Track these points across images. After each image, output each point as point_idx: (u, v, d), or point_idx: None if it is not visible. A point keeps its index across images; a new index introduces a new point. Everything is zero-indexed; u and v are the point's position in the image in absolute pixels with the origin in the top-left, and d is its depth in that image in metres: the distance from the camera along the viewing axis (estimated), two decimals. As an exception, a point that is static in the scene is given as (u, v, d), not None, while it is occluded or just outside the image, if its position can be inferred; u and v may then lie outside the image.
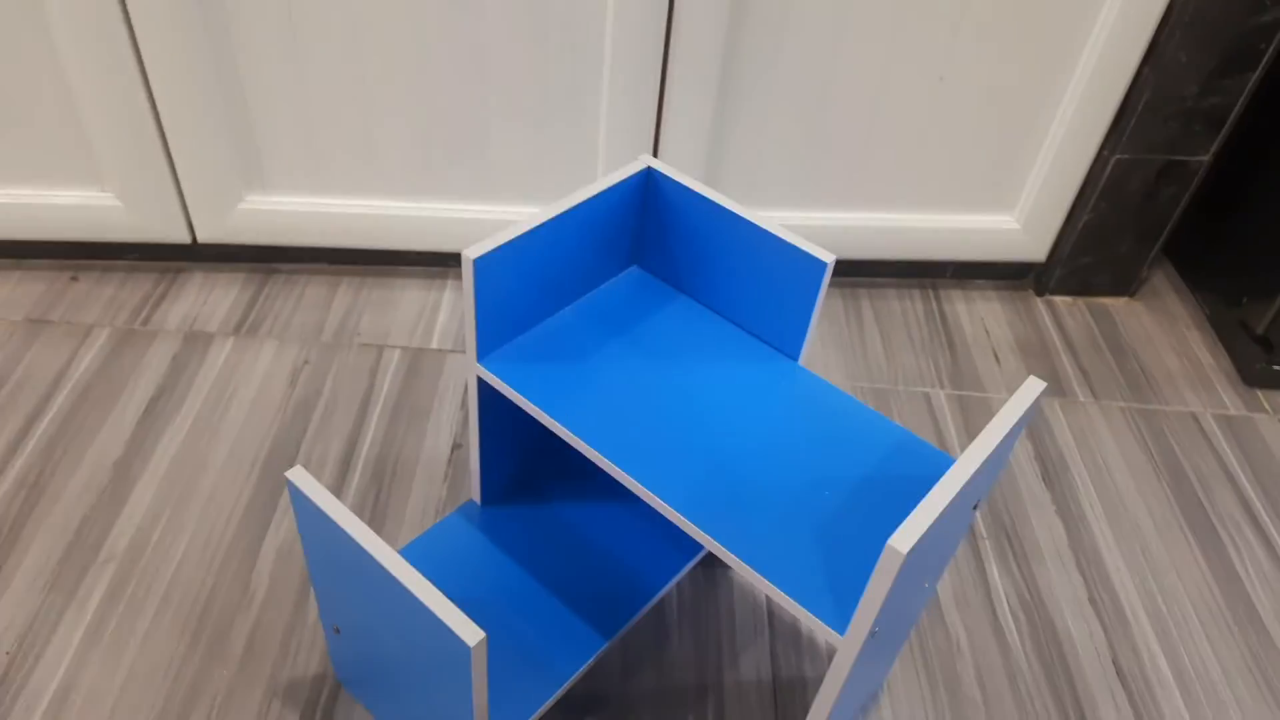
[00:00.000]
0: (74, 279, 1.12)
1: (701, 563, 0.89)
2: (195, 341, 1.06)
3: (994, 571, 0.92)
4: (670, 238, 0.73)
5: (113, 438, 0.95)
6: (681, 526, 0.59)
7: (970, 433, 1.05)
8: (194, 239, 1.10)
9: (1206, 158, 1.11)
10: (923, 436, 1.04)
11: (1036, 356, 1.16)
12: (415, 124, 1.02)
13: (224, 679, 0.77)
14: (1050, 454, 1.04)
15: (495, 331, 0.67)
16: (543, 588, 0.75)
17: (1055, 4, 0.98)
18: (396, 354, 1.07)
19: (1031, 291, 1.26)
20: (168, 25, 0.92)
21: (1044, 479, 1.01)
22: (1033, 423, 1.07)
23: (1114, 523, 0.97)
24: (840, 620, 0.55)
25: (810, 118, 1.06)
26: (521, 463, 0.81)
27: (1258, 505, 1.00)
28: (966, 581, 0.91)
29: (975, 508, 0.63)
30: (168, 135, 1.01)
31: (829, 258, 0.64)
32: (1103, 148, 1.10)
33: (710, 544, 0.58)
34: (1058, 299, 1.25)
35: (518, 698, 0.68)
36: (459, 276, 1.18)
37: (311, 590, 0.83)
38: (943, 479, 0.51)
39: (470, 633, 0.53)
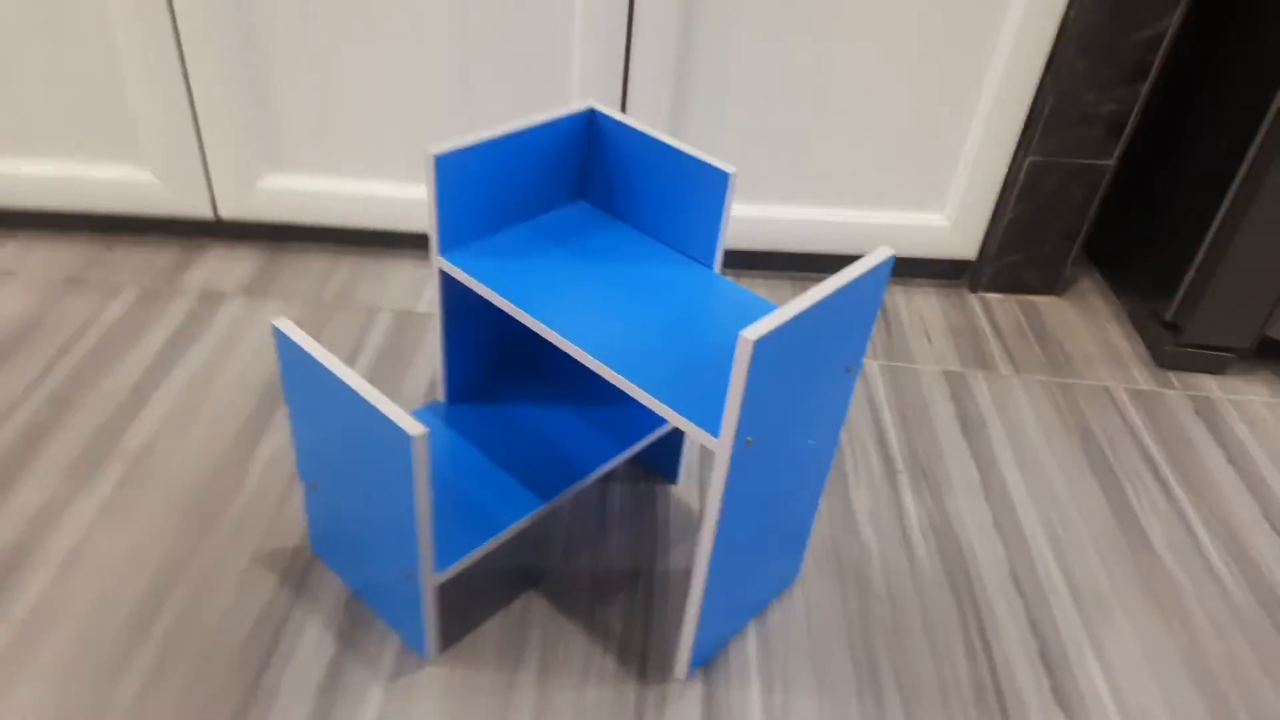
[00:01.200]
0: (108, 248, 1.27)
1: (644, 475, 1.00)
2: (210, 298, 1.20)
3: (908, 499, 1.02)
4: (612, 173, 0.87)
5: (132, 367, 1.08)
6: (599, 371, 0.71)
7: (899, 395, 1.16)
8: (217, 215, 1.26)
9: (1111, 162, 1.25)
10: (855, 414, 1.15)
11: (965, 338, 1.27)
12: (416, 111, 1.19)
13: (212, 550, 0.88)
14: (970, 414, 1.14)
15: (456, 231, 0.81)
16: (490, 461, 0.86)
17: (964, 18, 1.14)
18: (386, 315, 1.21)
19: (966, 289, 1.38)
20: (205, 14, 1.10)
21: (963, 432, 1.11)
22: (956, 387, 1.18)
23: (1023, 468, 1.07)
24: (713, 424, 0.66)
25: (760, 116, 1.21)
26: (482, 365, 0.93)
27: (1158, 458, 1.10)
28: (881, 503, 1.00)
29: (849, 370, 0.74)
30: (200, 118, 1.18)
31: (730, 169, 0.78)
32: (1017, 151, 1.25)
33: (620, 381, 0.70)
34: (990, 295, 1.37)
35: (459, 539, 0.78)
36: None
37: (294, 487, 0.94)
38: (796, 300, 0.62)
39: (412, 427, 0.65)
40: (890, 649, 0.86)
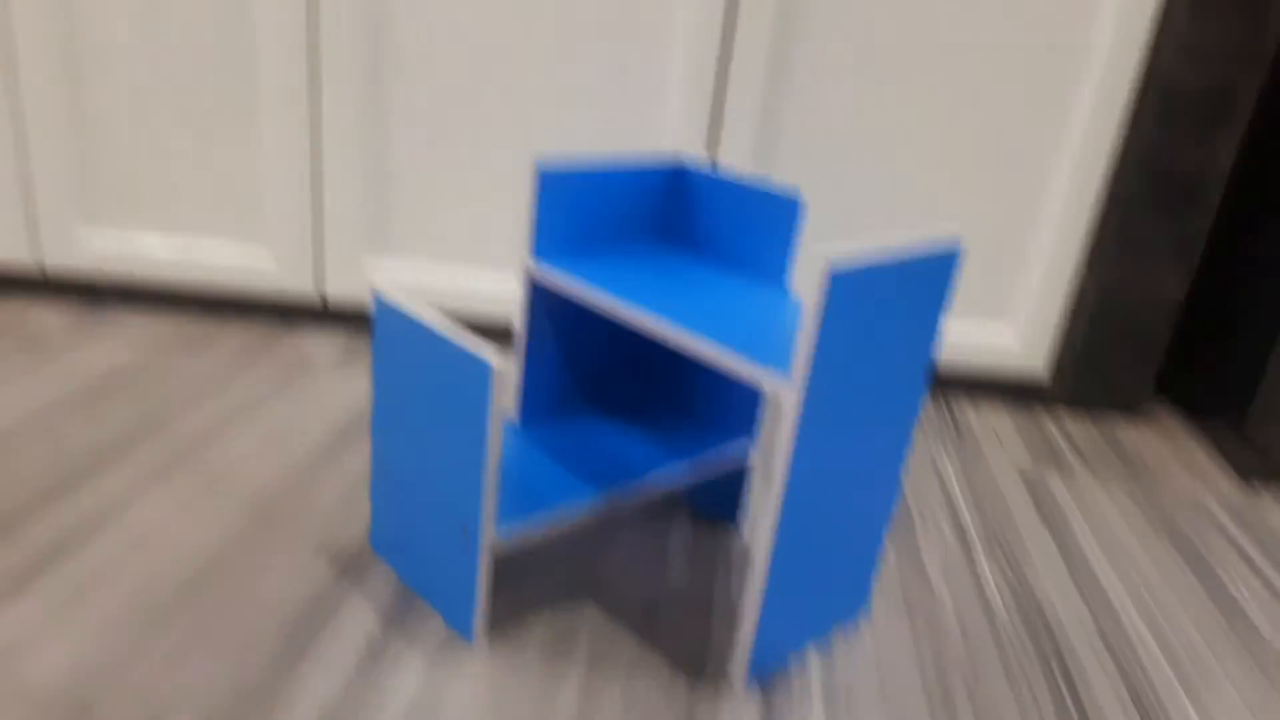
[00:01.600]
0: (218, 325, 1.38)
1: (705, 524, 0.98)
2: (303, 366, 1.27)
3: (983, 563, 0.96)
4: (691, 214, 0.94)
5: (224, 405, 1.13)
6: (662, 331, 0.74)
7: (972, 483, 1.13)
8: (324, 302, 1.36)
9: (1180, 295, 1.27)
10: (927, 492, 1.13)
11: (1039, 448, 1.25)
12: (517, 201, 1.30)
13: (274, 541, 0.88)
14: (1047, 505, 1.10)
15: (547, 244, 0.87)
16: (558, 464, 0.87)
17: (1020, 144, 1.23)
18: (465, 386, 1.26)
19: (1039, 408, 1.37)
20: (347, 111, 1.26)
21: (1041, 520, 1.07)
22: (1032, 483, 1.14)
23: (1108, 552, 1.01)
24: (783, 364, 0.67)
25: (835, 196, 1.29)
26: (556, 387, 0.96)
27: (1254, 555, 1.03)
28: (953, 563, 0.95)
29: (922, 357, 0.75)
30: (326, 205, 1.31)
31: (798, 196, 0.84)
32: (1083, 277, 1.29)
33: (694, 341, 0.72)
34: (1065, 418, 1.35)
35: (522, 509, 0.78)
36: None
37: (360, 502, 0.95)
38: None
39: (491, 358, 0.68)
40: (967, 686, 0.79)
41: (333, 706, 0.70)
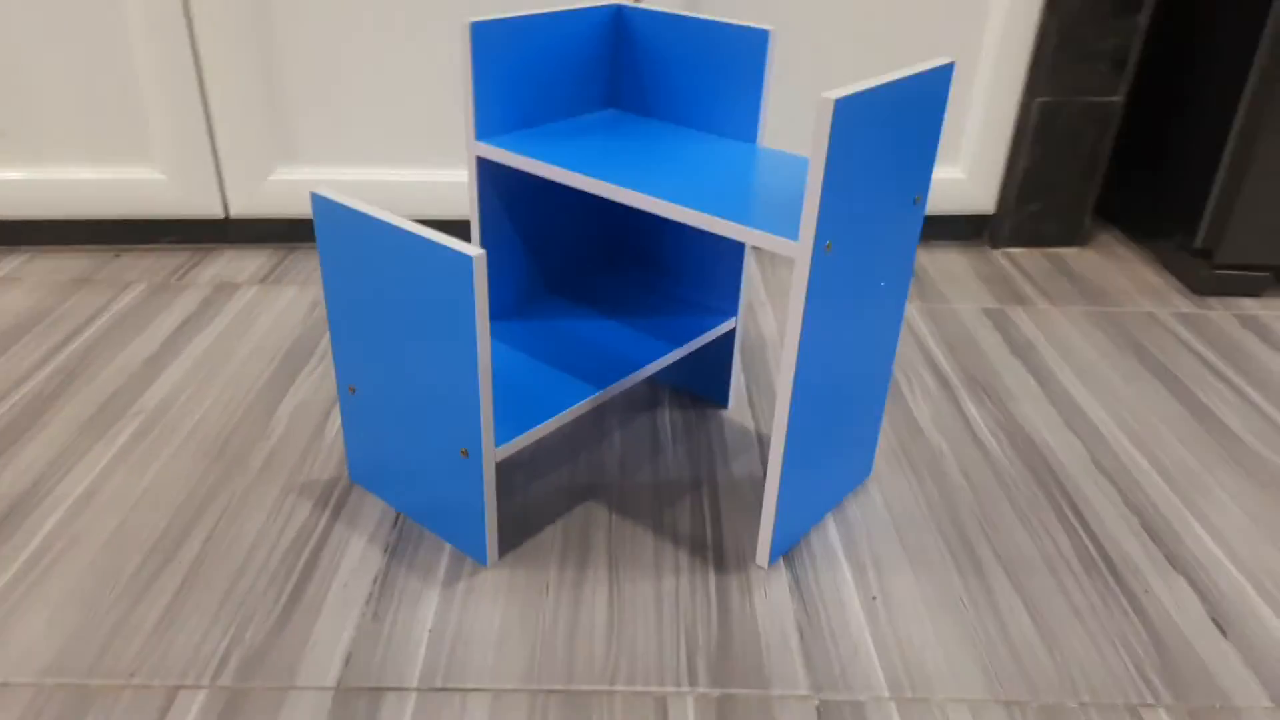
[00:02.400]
0: (116, 255, 1.24)
1: (693, 403, 0.94)
2: (224, 289, 1.16)
3: (970, 408, 0.96)
4: (642, 72, 0.86)
5: (146, 343, 1.03)
6: (659, 210, 0.68)
7: (942, 329, 1.12)
8: (227, 214, 1.24)
9: (1119, 98, 1.26)
10: (902, 346, 1.12)
11: (997, 283, 1.25)
12: (430, 96, 1.19)
13: (241, 485, 0.81)
14: (1016, 339, 1.11)
15: (492, 118, 0.79)
16: (540, 360, 0.81)
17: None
18: (407, 292, 1.17)
19: (988, 245, 1.37)
20: (221, 12, 1.11)
21: (1012, 352, 1.07)
22: (997, 320, 1.15)
23: (1083, 377, 1.02)
24: (791, 230, 0.62)
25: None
26: (521, 279, 0.89)
27: (1216, 363, 1.06)
28: (943, 413, 0.95)
29: (916, 202, 0.71)
30: (213, 114, 1.17)
31: (768, 26, 0.77)
32: (1025, 93, 1.26)
33: (685, 214, 0.67)
34: (1013, 250, 1.35)
35: (517, 418, 0.73)
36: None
37: (325, 430, 0.88)
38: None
39: (471, 250, 0.61)
40: (982, 528, 0.79)
41: (356, 655, 0.65)
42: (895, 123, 0.64)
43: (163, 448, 0.86)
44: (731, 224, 0.65)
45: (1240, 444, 0.92)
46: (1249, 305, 1.20)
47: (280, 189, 1.23)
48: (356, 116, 1.20)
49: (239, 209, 1.23)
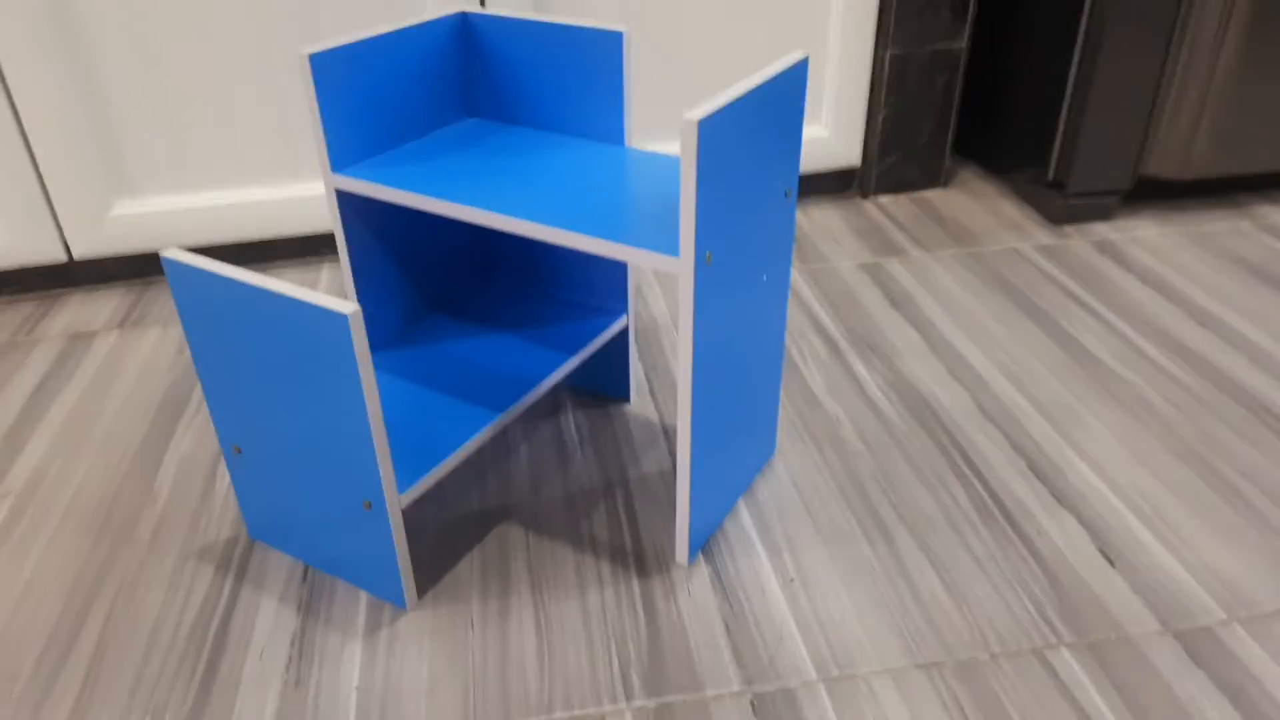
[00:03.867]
0: (-48, 315, 1.15)
1: (594, 401, 0.94)
2: (79, 339, 1.09)
3: (860, 369, 1.00)
4: (497, 79, 0.84)
5: (2, 413, 0.96)
6: (533, 233, 0.66)
7: (824, 290, 1.15)
8: (70, 256, 1.15)
9: (963, 43, 1.30)
10: (794, 315, 1.14)
11: (871, 235, 1.28)
12: (270, 108, 1.12)
13: (133, 560, 0.77)
14: (895, 292, 1.14)
15: (345, 147, 0.75)
16: (431, 390, 0.79)
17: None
18: (281, 318, 1.12)
19: (858, 196, 1.40)
20: (28, 47, 1.02)
21: (893, 307, 1.11)
22: (875, 275, 1.18)
23: (960, 324, 1.07)
24: (670, 246, 0.62)
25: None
26: (397, 305, 0.87)
27: (1078, 292, 1.12)
28: (836, 378, 0.98)
29: (787, 195, 0.72)
30: (35, 151, 1.08)
31: (622, 28, 0.76)
32: (877, 47, 1.28)
33: (559, 235, 0.65)
34: (882, 198, 1.39)
35: (418, 460, 0.71)
36: (334, 257, 1.25)
37: (214, 485, 0.84)
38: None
39: (344, 306, 0.58)
40: (884, 492, 0.82)
41: (280, 724, 0.63)
42: (759, 126, 0.64)
43: (40, 530, 0.80)
44: (610, 243, 0.64)
45: (1106, 370, 0.98)
46: (1102, 230, 1.27)
47: (123, 225, 1.15)
48: (193, 138, 1.12)
49: (81, 250, 1.15)
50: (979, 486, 0.83)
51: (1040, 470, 0.85)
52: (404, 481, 0.69)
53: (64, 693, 0.66)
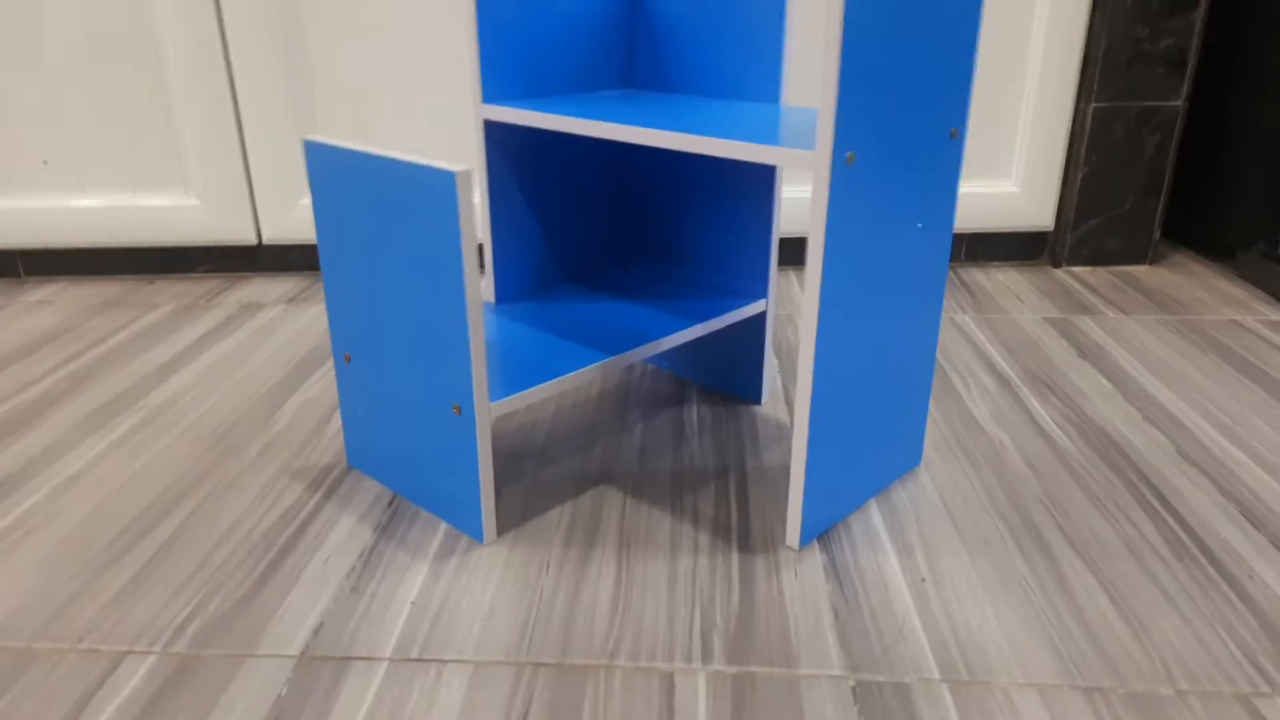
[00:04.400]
0: (150, 282, 1.24)
1: (722, 400, 0.87)
2: (249, 308, 1.14)
3: (1033, 403, 0.87)
4: (657, 46, 0.83)
5: (163, 352, 1.00)
6: (671, 143, 0.63)
7: (1001, 336, 1.03)
8: (260, 239, 1.23)
9: (1180, 102, 1.18)
10: (955, 351, 1.04)
11: (1060, 295, 1.16)
12: (452, 111, 1.18)
13: (233, 470, 0.76)
14: (1083, 343, 1.01)
15: (500, 81, 0.75)
16: (547, 333, 0.75)
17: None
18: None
19: (1049, 266, 1.28)
20: (254, 37, 1.13)
21: (1080, 355, 0.98)
22: (1062, 329, 1.05)
23: (1162, 377, 0.92)
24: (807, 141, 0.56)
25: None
26: (531, 259, 0.84)
27: (1318, 365, 0.95)
28: (1005, 408, 0.86)
29: (953, 136, 0.65)
30: (247, 140, 1.18)
31: (788, -20, 0.73)
32: (1078, 99, 1.19)
33: (697, 142, 0.61)
34: (1076, 269, 1.26)
35: (516, 378, 0.66)
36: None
37: (327, 425, 0.83)
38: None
39: (452, 167, 0.56)
40: (1050, 513, 0.69)
41: (327, 625, 0.58)
42: (922, 29, 0.58)
43: (159, 438, 0.81)
44: (745, 144, 0.59)
45: (1351, 436, 0.80)
46: (1347, 312, 1.09)
47: (309, 214, 1.22)
48: (378, 130, 1.19)
49: (271, 234, 1.23)
50: (1173, 524, 0.68)
51: (1255, 516, 0.68)
52: (496, 391, 0.64)
53: (129, 564, 0.64)
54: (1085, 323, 1.07)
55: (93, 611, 0.59)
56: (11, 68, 1.14)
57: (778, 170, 0.79)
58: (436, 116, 1.18)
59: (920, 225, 0.65)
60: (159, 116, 1.17)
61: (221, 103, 1.16)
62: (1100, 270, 1.26)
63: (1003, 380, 0.92)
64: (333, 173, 0.65)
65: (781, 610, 0.59)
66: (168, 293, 1.20)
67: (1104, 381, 0.92)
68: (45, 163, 1.19)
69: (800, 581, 0.62)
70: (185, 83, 1.15)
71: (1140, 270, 1.25)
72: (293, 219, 1.22)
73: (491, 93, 0.75)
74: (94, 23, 1.13)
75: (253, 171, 1.20)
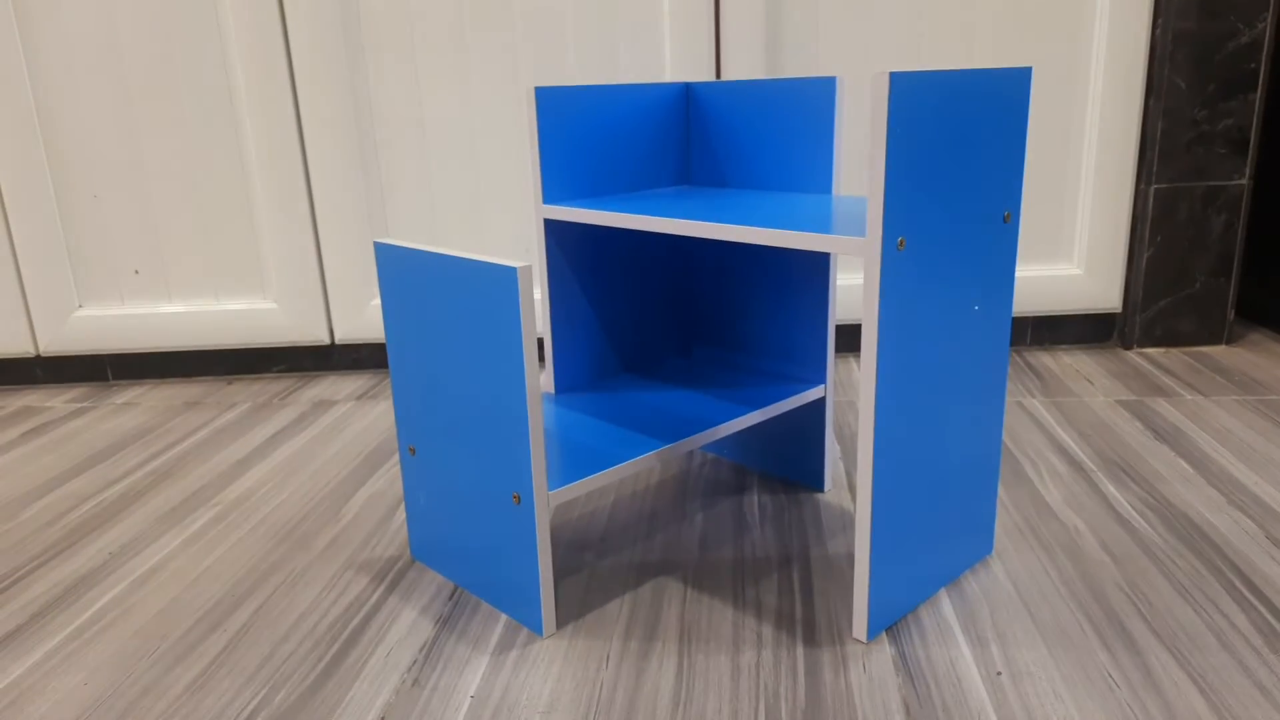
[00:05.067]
0: (229, 383, 1.29)
1: (784, 487, 0.86)
2: (321, 405, 1.18)
3: (1109, 487, 0.84)
4: (713, 145, 0.86)
5: (239, 450, 1.04)
6: (727, 235, 0.64)
7: (1072, 420, 1.00)
8: (333, 339, 1.28)
9: (1245, 180, 1.17)
10: (1024, 435, 1.02)
11: (1131, 378, 1.13)
12: (515, 209, 1.22)
13: (302, 562, 0.77)
14: (1159, 426, 0.98)
15: (560, 182, 0.79)
16: (605, 422, 0.76)
17: (1049, 50, 1.15)
18: (496, 403, 1.15)
19: (1118, 347, 1.25)
20: (331, 149, 1.20)
21: (1156, 438, 0.94)
22: (1136, 411, 1.02)
23: (1248, 461, 0.88)
24: (858, 229, 0.57)
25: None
26: (588, 350, 0.86)
27: None
28: (1079, 494, 0.83)
29: (1006, 220, 0.65)
30: (322, 246, 1.24)
31: (833, 80, 0.75)
32: (1138, 181, 1.19)
33: (750, 233, 0.63)
34: (1148, 350, 1.23)
35: (575, 467, 0.67)
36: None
37: (392, 516, 0.84)
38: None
39: (514, 263, 0.58)
40: (1132, 602, 0.66)
41: (390, 719, 0.58)
42: (970, 122, 0.59)
43: (232, 533, 0.84)
44: (796, 233, 0.60)
45: None
46: None
47: (378, 314, 1.26)
48: (447, 227, 1.24)
49: (343, 334, 1.27)
50: (1265, 612, 0.64)
51: (1359, 606, 0.64)
52: (555, 480, 0.65)
53: (200, 657, 0.65)
54: (1160, 404, 1.04)
55: (164, 705, 0.60)
56: (113, 186, 1.23)
57: (832, 257, 0.80)
58: (500, 214, 1.23)
59: (977, 308, 0.65)
60: (243, 225, 1.24)
61: (299, 210, 1.22)
62: (1174, 351, 1.22)
63: (1075, 465, 0.89)
64: (401, 272, 0.68)
65: (850, 706, 0.57)
66: (245, 392, 1.25)
67: (1183, 464, 0.88)
68: (137, 272, 1.27)
69: (869, 675, 0.60)
70: (267, 193, 1.22)
71: (1216, 350, 1.22)
72: (364, 319, 1.27)
73: (552, 194, 0.78)
74: (187, 143, 1.21)
75: (327, 275, 1.25)
